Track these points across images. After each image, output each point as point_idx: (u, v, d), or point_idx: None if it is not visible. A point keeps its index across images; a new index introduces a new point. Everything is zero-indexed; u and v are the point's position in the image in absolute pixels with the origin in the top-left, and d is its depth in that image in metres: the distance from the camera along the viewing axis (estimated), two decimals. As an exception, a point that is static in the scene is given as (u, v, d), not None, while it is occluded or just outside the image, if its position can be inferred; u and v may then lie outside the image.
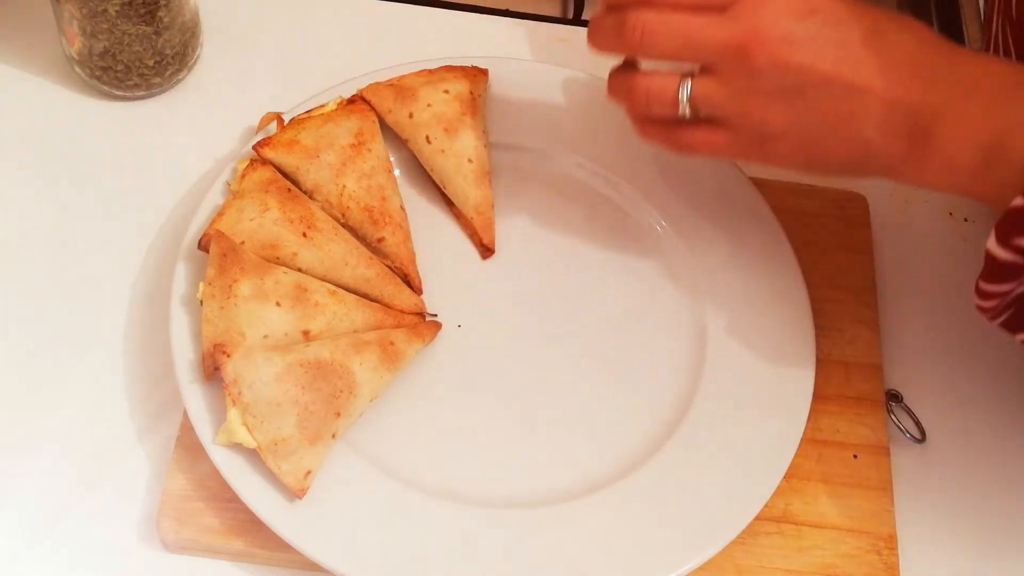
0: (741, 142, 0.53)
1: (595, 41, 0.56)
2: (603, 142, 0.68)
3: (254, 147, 0.63)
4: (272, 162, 0.63)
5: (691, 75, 0.53)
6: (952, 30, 0.80)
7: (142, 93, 0.69)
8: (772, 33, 0.50)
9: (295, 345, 0.57)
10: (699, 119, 0.54)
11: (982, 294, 0.49)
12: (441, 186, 0.65)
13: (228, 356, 0.55)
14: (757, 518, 0.56)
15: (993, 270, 0.48)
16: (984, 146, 0.47)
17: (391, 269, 0.63)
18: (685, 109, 0.53)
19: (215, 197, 0.62)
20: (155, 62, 0.67)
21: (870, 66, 0.49)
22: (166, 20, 0.66)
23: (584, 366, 0.62)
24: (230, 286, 0.57)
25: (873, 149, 0.50)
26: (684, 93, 0.53)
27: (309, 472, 0.54)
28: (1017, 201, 0.46)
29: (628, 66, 0.57)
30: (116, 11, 0.63)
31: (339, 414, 0.56)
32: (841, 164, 0.52)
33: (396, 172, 0.66)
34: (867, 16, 0.51)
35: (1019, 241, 0.46)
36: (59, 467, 0.58)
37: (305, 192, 0.63)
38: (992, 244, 0.47)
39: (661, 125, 0.55)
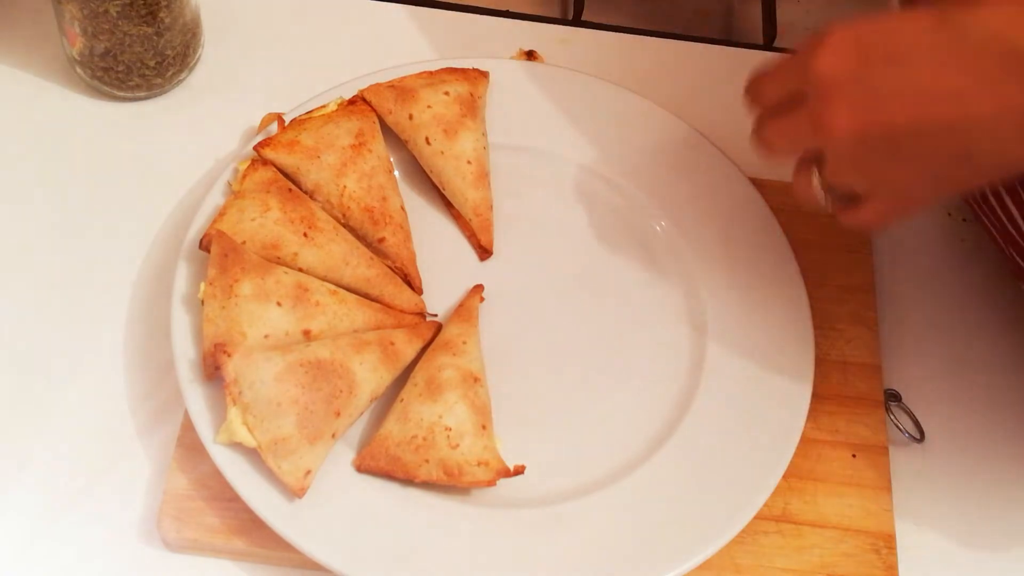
0: (888, 204, 0.51)
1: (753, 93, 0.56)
2: (603, 143, 0.68)
3: (255, 147, 0.63)
4: (273, 162, 0.63)
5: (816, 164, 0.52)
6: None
7: (143, 94, 0.69)
8: (852, 101, 0.48)
9: (296, 345, 0.57)
10: (847, 198, 0.52)
11: None
12: (440, 187, 0.65)
13: (229, 356, 0.55)
14: (756, 517, 0.56)
15: None
16: None
17: (391, 269, 0.63)
18: (825, 201, 0.53)
19: (216, 197, 0.62)
20: (156, 63, 0.67)
21: (954, 89, 0.46)
22: (167, 21, 0.66)
23: (583, 366, 0.62)
24: (231, 286, 0.57)
25: (1008, 158, 0.47)
26: (817, 183, 0.53)
27: (309, 472, 0.54)
28: None
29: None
30: (117, 12, 0.63)
31: (339, 414, 0.56)
32: (987, 175, 0.50)
33: (396, 173, 0.66)
34: (911, 25, 0.48)
35: None
36: (60, 466, 0.58)
37: (306, 192, 0.63)
38: None
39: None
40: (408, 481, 0.56)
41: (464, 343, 0.59)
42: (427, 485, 0.56)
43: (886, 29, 0.49)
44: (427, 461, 0.55)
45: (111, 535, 0.57)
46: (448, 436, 0.56)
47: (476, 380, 0.58)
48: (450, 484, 0.56)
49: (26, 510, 0.57)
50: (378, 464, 0.56)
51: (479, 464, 0.56)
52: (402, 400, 0.57)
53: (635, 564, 0.55)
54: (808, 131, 0.51)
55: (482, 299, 0.62)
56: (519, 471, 0.57)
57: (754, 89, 0.55)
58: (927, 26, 0.47)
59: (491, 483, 0.56)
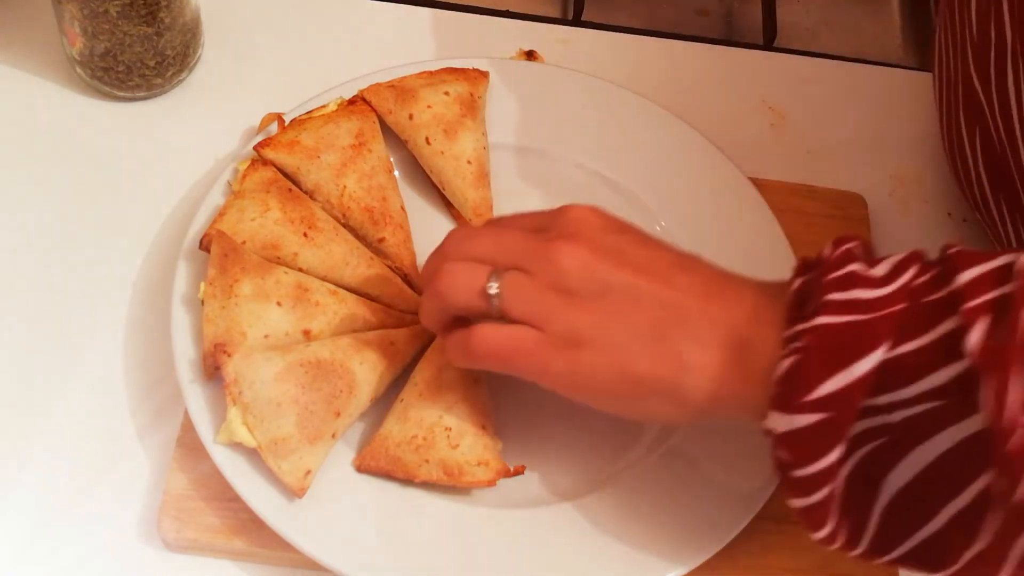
0: (546, 344, 0.49)
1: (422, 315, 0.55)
2: (603, 143, 0.68)
3: (255, 147, 0.63)
4: (273, 162, 0.63)
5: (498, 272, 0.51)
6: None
7: (143, 94, 0.69)
8: (582, 237, 0.50)
9: (295, 345, 0.57)
10: (500, 318, 0.51)
11: (803, 502, 0.45)
12: (440, 187, 0.65)
13: (229, 355, 0.55)
14: (757, 517, 0.56)
15: (801, 451, 0.44)
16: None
17: (392, 269, 0.63)
18: (494, 302, 0.50)
19: (216, 197, 0.62)
20: (156, 63, 0.67)
21: (680, 280, 0.49)
22: (167, 21, 0.66)
23: (584, 366, 0.62)
24: (231, 286, 0.57)
25: (686, 365, 0.48)
26: (495, 285, 0.50)
27: (309, 472, 0.54)
28: (783, 366, 0.45)
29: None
30: (117, 12, 0.63)
31: (339, 414, 0.56)
32: (651, 383, 0.49)
33: (396, 173, 0.66)
34: (675, 248, 0.52)
35: (816, 393, 0.43)
36: (60, 466, 0.58)
37: (306, 192, 0.63)
38: (779, 421, 0.45)
39: (456, 319, 0.53)
40: (408, 481, 0.56)
41: None
42: (427, 485, 0.56)
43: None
44: (427, 461, 0.55)
45: (111, 535, 0.57)
46: (448, 436, 0.55)
47: (476, 381, 0.57)
48: (450, 484, 0.56)
49: (26, 510, 0.57)
50: (378, 464, 0.56)
51: (479, 464, 0.56)
52: (402, 400, 0.57)
53: (635, 564, 0.55)
54: (532, 241, 0.51)
55: None
56: (519, 471, 0.57)
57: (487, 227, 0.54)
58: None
59: (491, 483, 0.56)
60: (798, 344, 0.45)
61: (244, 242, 0.60)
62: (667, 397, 0.49)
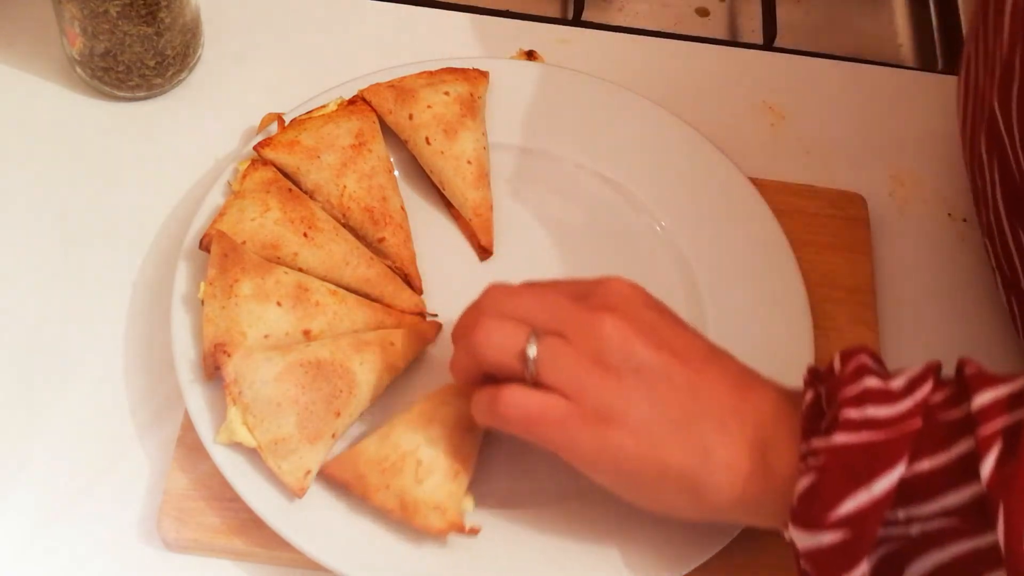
0: (577, 416, 0.48)
1: (452, 370, 0.54)
2: (603, 143, 0.68)
3: (255, 147, 0.63)
4: (273, 162, 0.63)
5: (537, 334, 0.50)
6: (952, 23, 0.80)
7: (143, 94, 0.69)
8: (624, 311, 0.49)
9: (296, 345, 0.57)
10: (534, 383, 0.49)
11: None
12: (440, 187, 0.65)
13: (229, 355, 0.55)
14: (756, 517, 0.56)
15: (825, 567, 0.44)
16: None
17: (392, 269, 0.63)
18: (531, 366, 0.49)
19: (216, 197, 0.62)
20: (156, 63, 0.67)
21: (712, 371, 0.49)
22: (167, 21, 0.66)
23: (584, 366, 0.61)
24: (231, 286, 0.57)
25: (712, 459, 0.48)
26: (533, 349, 0.49)
27: (309, 472, 0.54)
28: (803, 483, 0.45)
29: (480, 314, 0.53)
30: (117, 12, 0.63)
31: (339, 414, 0.56)
32: (676, 472, 0.48)
33: (396, 173, 0.66)
34: (706, 339, 0.52)
35: (836, 512, 0.44)
36: (59, 466, 0.58)
37: (306, 192, 0.63)
38: (801, 538, 0.45)
39: (487, 379, 0.51)
40: (363, 502, 0.54)
41: None
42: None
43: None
44: (387, 487, 0.53)
45: (111, 535, 0.57)
46: (417, 469, 0.53)
47: (470, 429, 0.55)
48: (401, 519, 0.53)
49: (26, 510, 0.57)
50: (343, 475, 0.54)
51: (436, 508, 0.53)
52: (390, 422, 0.56)
53: (635, 565, 0.55)
54: (574, 307, 0.50)
55: None
56: (473, 532, 0.54)
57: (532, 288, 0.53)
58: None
59: (441, 532, 0.53)
60: (816, 462, 0.45)
61: (244, 242, 0.59)
62: (689, 491, 0.48)
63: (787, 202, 0.67)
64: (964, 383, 0.45)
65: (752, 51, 0.77)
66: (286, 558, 0.56)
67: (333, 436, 0.56)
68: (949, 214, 0.71)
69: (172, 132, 0.69)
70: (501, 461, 0.58)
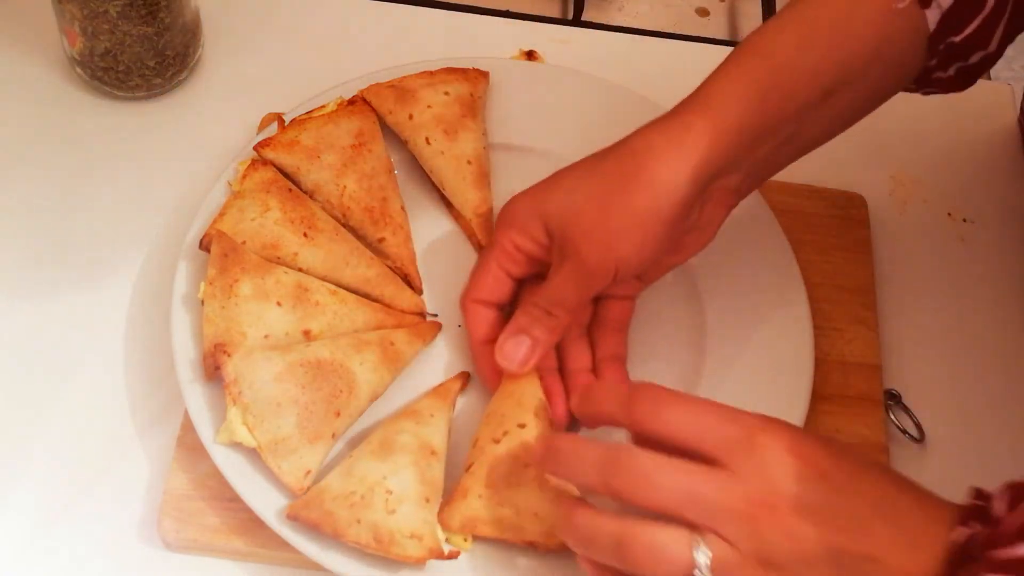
0: None
1: (569, 465, 0.49)
2: (603, 143, 0.67)
3: (255, 147, 0.63)
4: (273, 162, 0.63)
5: (698, 534, 0.46)
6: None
7: (143, 94, 0.69)
8: (783, 501, 0.46)
9: (296, 345, 0.57)
10: None
11: None
12: (440, 187, 0.65)
13: (229, 355, 0.55)
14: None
15: None
16: None
17: (391, 269, 0.63)
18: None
19: (216, 197, 0.62)
20: (156, 63, 0.67)
21: (882, 537, 0.46)
22: (167, 21, 0.65)
23: (584, 366, 0.61)
24: (231, 286, 0.57)
25: None
26: (704, 559, 0.45)
27: (309, 472, 0.54)
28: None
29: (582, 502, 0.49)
30: (117, 12, 0.63)
31: (339, 414, 0.56)
32: None
33: (396, 173, 0.66)
34: (872, 479, 0.48)
35: None
36: (60, 466, 0.58)
37: (306, 192, 0.63)
38: None
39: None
40: (336, 540, 0.52)
41: (432, 416, 0.56)
42: None
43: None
44: (359, 521, 0.52)
45: (111, 535, 0.57)
46: (387, 499, 0.52)
47: (433, 453, 0.55)
48: (377, 552, 0.52)
49: (26, 510, 0.57)
50: (310, 515, 0.52)
51: (412, 536, 0.52)
52: (352, 455, 0.55)
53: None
54: (726, 499, 0.46)
55: (464, 387, 0.59)
56: (453, 556, 0.53)
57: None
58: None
59: (420, 561, 0.52)
60: None
61: (244, 242, 0.59)
62: None
63: (787, 202, 0.67)
64: None
65: (752, 51, 0.77)
66: (286, 558, 0.56)
67: (333, 436, 0.56)
68: (949, 214, 0.71)
69: (172, 132, 0.69)
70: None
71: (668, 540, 0.46)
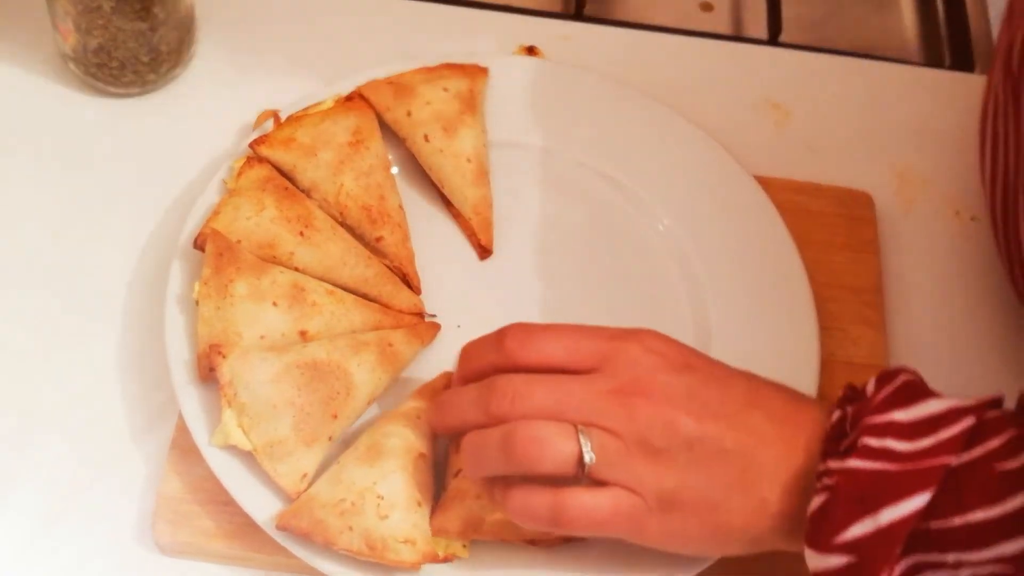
0: (642, 509, 0.48)
1: (454, 415, 0.52)
2: (604, 140, 0.67)
3: (251, 145, 0.63)
4: (269, 160, 0.63)
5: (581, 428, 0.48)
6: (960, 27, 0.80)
7: (137, 90, 0.69)
8: (652, 388, 0.49)
9: (292, 346, 0.56)
10: (588, 481, 0.49)
11: None
12: (439, 185, 0.65)
13: (224, 356, 0.55)
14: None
15: None
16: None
17: (390, 269, 0.62)
18: (587, 468, 0.48)
19: (211, 195, 0.62)
20: (150, 59, 0.67)
21: (755, 423, 0.49)
22: (161, 16, 0.65)
23: (585, 367, 0.61)
24: (226, 286, 0.57)
25: (769, 509, 0.48)
26: (590, 454, 0.48)
27: (305, 475, 0.54)
28: (815, 503, 0.45)
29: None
30: (111, 7, 0.63)
31: (336, 416, 0.55)
32: (740, 533, 0.49)
33: (394, 170, 0.66)
34: (744, 377, 0.51)
35: (843, 536, 0.44)
36: (54, 470, 0.58)
37: (302, 190, 0.62)
38: (812, 558, 0.45)
39: (540, 488, 0.49)
40: (327, 548, 0.52)
41: (419, 418, 0.56)
42: None
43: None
44: (350, 528, 0.51)
45: (106, 538, 0.56)
46: (379, 505, 0.52)
47: (422, 456, 0.54)
48: (371, 559, 0.51)
49: (21, 513, 0.56)
50: (300, 525, 0.52)
51: (405, 542, 0.51)
52: (339, 462, 0.54)
53: (640, 568, 0.54)
54: (598, 390, 0.48)
55: (448, 386, 0.58)
56: (448, 559, 0.53)
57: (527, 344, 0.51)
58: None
59: (415, 566, 0.52)
60: (828, 482, 0.45)
61: (239, 241, 0.59)
62: (749, 541, 0.49)
63: (792, 200, 0.67)
64: None
65: (756, 47, 0.77)
66: (281, 562, 0.55)
67: (330, 439, 0.55)
68: (957, 212, 0.70)
69: (166, 129, 0.68)
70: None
71: (552, 432, 0.48)
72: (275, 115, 0.64)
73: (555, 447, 0.48)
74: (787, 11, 0.79)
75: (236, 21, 0.72)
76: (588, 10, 0.78)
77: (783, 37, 0.78)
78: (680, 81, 0.73)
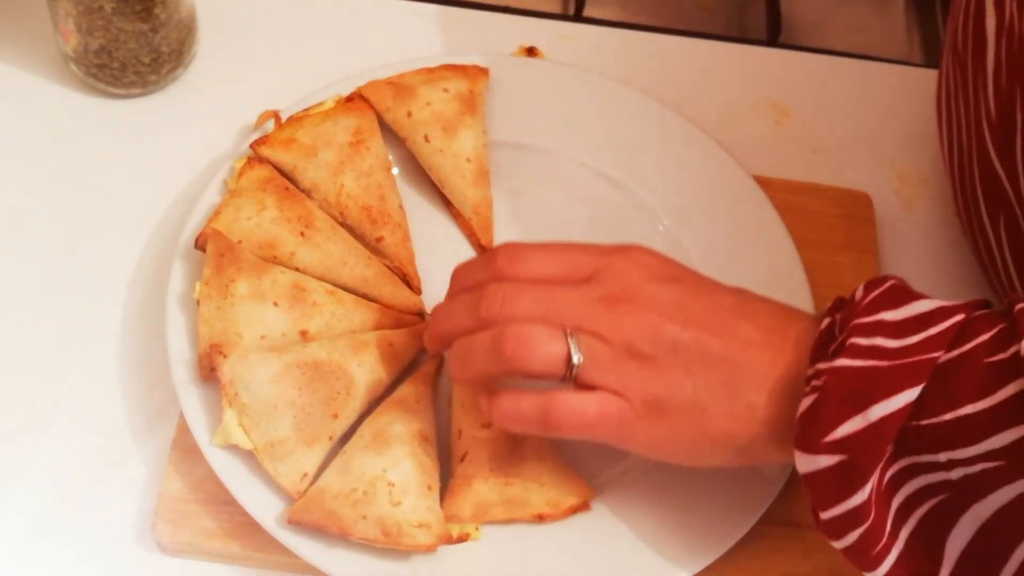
0: (630, 413, 0.49)
1: (443, 324, 0.52)
2: (604, 141, 0.67)
3: (251, 145, 0.63)
4: (270, 160, 0.63)
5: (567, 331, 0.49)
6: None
7: (138, 91, 0.69)
8: (640, 296, 0.49)
9: (292, 346, 0.57)
10: (575, 385, 0.49)
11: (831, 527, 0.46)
12: (439, 185, 0.65)
13: (225, 356, 0.55)
14: (760, 522, 0.56)
15: (822, 493, 0.45)
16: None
17: (390, 269, 0.62)
18: (575, 369, 0.49)
19: (212, 196, 0.62)
20: (151, 59, 0.67)
21: (743, 331, 0.49)
22: (162, 17, 0.65)
23: (585, 367, 0.61)
24: (227, 286, 0.57)
25: (756, 416, 0.48)
26: (578, 355, 0.48)
27: (306, 474, 0.54)
28: (803, 405, 0.45)
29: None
30: (112, 8, 0.63)
31: (336, 416, 0.55)
32: (726, 439, 0.49)
33: (394, 171, 0.66)
34: (731, 290, 0.52)
35: (832, 435, 0.44)
36: (55, 469, 0.58)
37: (303, 191, 0.62)
38: (802, 461, 0.45)
39: (528, 392, 0.50)
40: (343, 538, 0.52)
41: (417, 402, 0.56)
42: None
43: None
44: (364, 517, 0.52)
45: (107, 538, 0.56)
46: (391, 492, 0.52)
47: (426, 439, 0.55)
48: (387, 545, 0.52)
49: (22, 512, 0.56)
50: (312, 518, 0.52)
51: (420, 526, 0.52)
52: (345, 452, 0.55)
53: (639, 570, 0.54)
54: (586, 299, 0.49)
55: (440, 367, 0.59)
56: (463, 538, 0.53)
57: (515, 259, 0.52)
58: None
59: (431, 548, 0.52)
60: (817, 383, 0.45)
61: (240, 241, 0.59)
62: (736, 449, 0.50)
63: (792, 201, 0.67)
64: (1015, 321, 0.44)
65: (756, 47, 0.77)
66: (282, 562, 0.55)
67: (330, 439, 0.55)
68: (956, 212, 0.70)
69: (167, 130, 0.68)
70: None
71: (541, 333, 0.49)
72: (276, 116, 0.64)
73: (544, 347, 0.48)
74: (786, 12, 0.79)
75: (237, 22, 0.72)
76: (588, 11, 0.78)
77: (783, 38, 0.78)
78: (680, 81, 0.73)
